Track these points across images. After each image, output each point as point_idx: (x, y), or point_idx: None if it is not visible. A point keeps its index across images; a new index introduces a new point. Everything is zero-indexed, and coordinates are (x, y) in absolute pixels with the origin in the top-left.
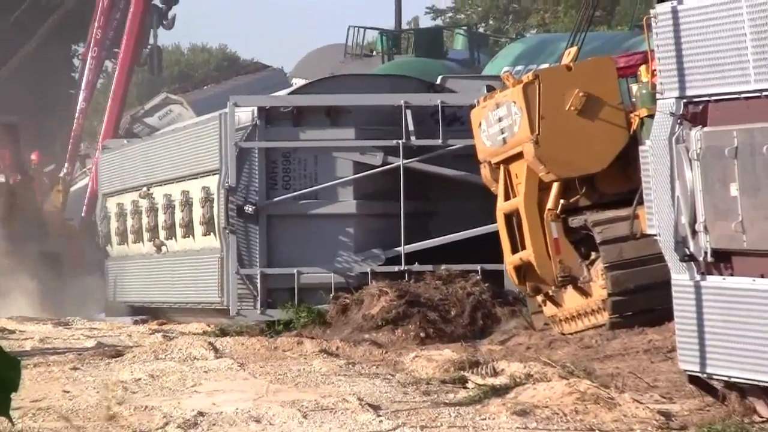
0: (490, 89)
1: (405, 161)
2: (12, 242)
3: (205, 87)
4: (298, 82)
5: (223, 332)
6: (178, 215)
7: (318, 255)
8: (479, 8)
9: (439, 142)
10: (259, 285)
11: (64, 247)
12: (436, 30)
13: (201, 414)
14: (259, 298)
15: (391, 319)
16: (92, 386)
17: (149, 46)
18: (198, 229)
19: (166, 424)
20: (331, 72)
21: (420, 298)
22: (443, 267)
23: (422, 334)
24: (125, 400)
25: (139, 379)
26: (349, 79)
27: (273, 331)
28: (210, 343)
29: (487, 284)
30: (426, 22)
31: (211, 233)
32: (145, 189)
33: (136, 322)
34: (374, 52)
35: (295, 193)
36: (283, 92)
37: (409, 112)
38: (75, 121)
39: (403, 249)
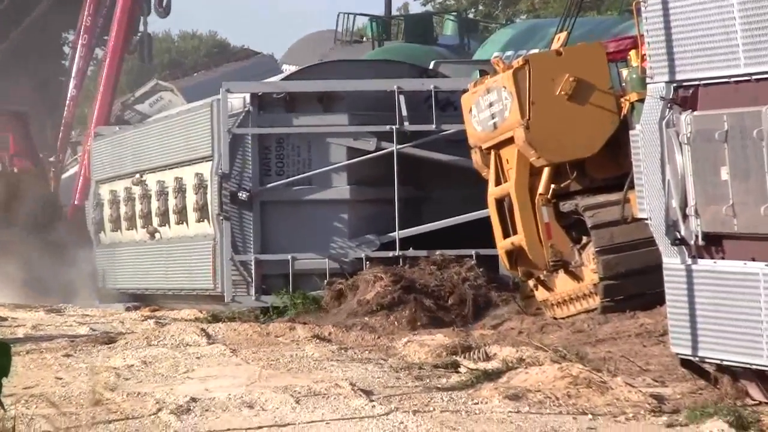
0: (483, 74)
1: (399, 146)
2: (12, 230)
3: (196, 74)
4: (288, 69)
5: (216, 318)
6: (172, 202)
7: (312, 241)
8: None
9: (433, 127)
10: (253, 271)
11: (63, 234)
12: (426, 16)
13: (194, 400)
14: (253, 285)
15: (386, 305)
16: (85, 373)
17: (139, 34)
18: (192, 215)
19: (159, 410)
20: (321, 58)
21: (415, 283)
22: (438, 252)
23: (418, 322)
24: (118, 387)
25: (132, 365)
26: (341, 64)
27: (267, 317)
28: (202, 330)
29: (481, 269)
30: (416, 8)
31: (205, 220)
32: (138, 176)
33: (128, 309)
34: (364, 39)
35: (288, 180)
36: (276, 78)
37: (402, 98)
38: (66, 108)
39: (397, 234)
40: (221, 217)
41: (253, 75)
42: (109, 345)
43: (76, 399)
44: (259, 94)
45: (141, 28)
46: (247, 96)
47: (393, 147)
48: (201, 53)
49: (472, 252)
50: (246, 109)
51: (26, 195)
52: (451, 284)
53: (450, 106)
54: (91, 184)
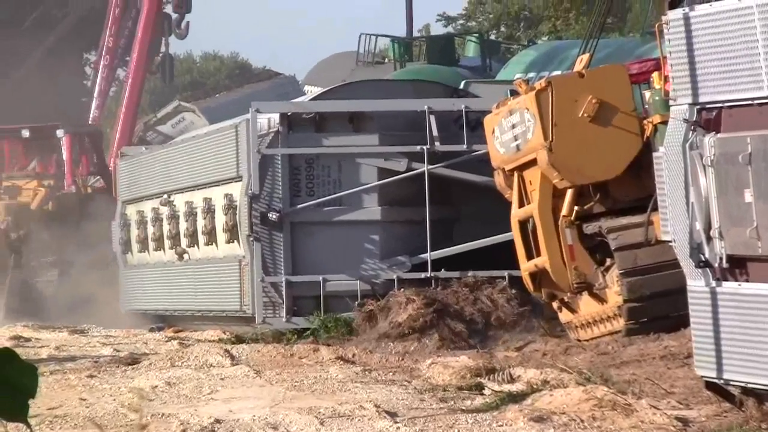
0: (514, 94)
1: (430, 167)
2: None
3: (217, 95)
4: (310, 90)
5: (239, 339)
6: (201, 222)
7: (343, 262)
8: (490, 15)
9: (464, 147)
10: (284, 293)
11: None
12: (447, 37)
13: (218, 421)
14: (284, 306)
15: (418, 328)
16: (109, 394)
17: (161, 54)
18: (221, 236)
19: (183, 431)
20: (343, 80)
21: (449, 308)
22: (470, 273)
23: (451, 346)
24: (142, 408)
25: (156, 386)
26: (370, 84)
27: (293, 339)
28: (226, 351)
29: (513, 290)
30: (437, 30)
31: (235, 241)
32: (165, 196)
33: (152, 330)
34: (386, 60)
35: (319, 200)
36: (305, 98)
37: (433, 118)
38: None
39: (429, 255)
40: (251, 238)
41: (274, 96)
42: (133, 366)
43: (100, 420)
44: (289, 114)
45: (162, 48)
46: (275, 116)
47: (424, 167)
48: (222, 74)
49: (505, 273)
50: (275, 129)
51: (100, 214)
52: (483, 309)
53: (480, 126)
54: (118, 204)
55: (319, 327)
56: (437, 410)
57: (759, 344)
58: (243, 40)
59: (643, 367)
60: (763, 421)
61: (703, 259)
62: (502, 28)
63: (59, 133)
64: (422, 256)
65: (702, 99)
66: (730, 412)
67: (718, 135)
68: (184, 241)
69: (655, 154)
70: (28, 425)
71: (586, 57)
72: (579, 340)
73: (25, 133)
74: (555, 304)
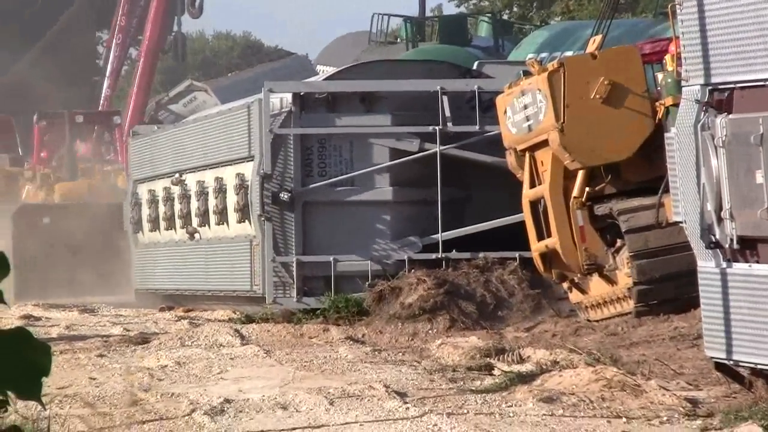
0: (527, 74)
1: (442, 147)
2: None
3: (230, 74)
4: (323, 70)
5: (249, 319)
6: (212, 202)
7: (354, 242)
8: None
9: (476, 128)
10: (294, 273)
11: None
12: (460, 17)
13: (227, 401)
14: (295, 286)
15: (429, 309)
16: (118, 373)
17: (173, 33)
18: (232, 216)
19: (193, 411)
20: (355, 59)
21: (460, 289)
22: (481, 255)
23: (461, 327)
24: (151, 387)
25: (166, 366)
26: (383, 64)
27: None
28: (236, 330)
29: (524, 271)
30: (450, 10)
31: (246, 220)
32: (177, 175)
33: (162, 309)
34: (398, 40)
35: (330, 180)
36: (316, 78)
37: (445, 98)
38: (100, 108)
39: (440, 236)
40: (263, 218)
41: (286, 75)
42: (143, 345)
43: (110, 399)
44: (301, 94)
45: (175, 27)
46: (287, 96)
47: (436, 148)
48: (235, 54)
49: (516, 254)
50: (287, 109)
51: None
52: (494, 289)
53: (493, 106)
54: (129, 183)
55: (329, 307)
56: (446, 390)
57: None
58: (255, 20)
59: (653, 348)
60: None
61: (714, 240)
62: (515, 8)
63: (116, 119)
64: (433, 236)
65: (714, 80)
66: (739, 393)
67: (730, 116)
68: (195, 221)
69: (666, 135)
70: (42, 403)
71: (598, 38)
72: (589, 321)
73: (79, 119)
74: (565, 285)
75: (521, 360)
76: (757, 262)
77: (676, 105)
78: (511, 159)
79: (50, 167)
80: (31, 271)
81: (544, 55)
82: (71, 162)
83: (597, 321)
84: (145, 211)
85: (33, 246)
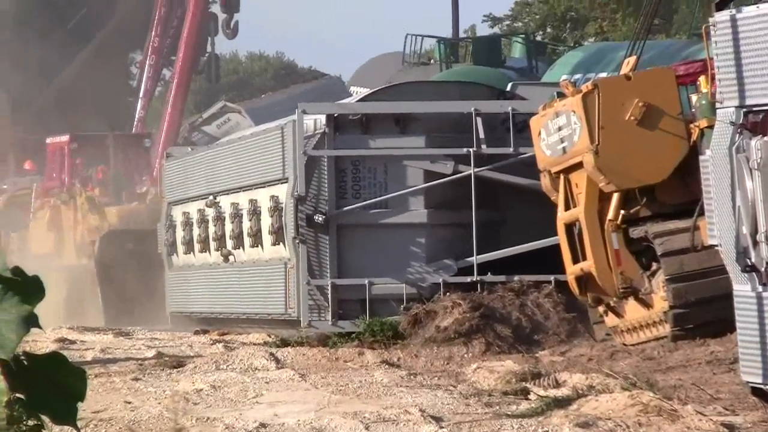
0: (561, 96)
1: (476, 169)
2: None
3: (263, 95)
4: (357, 91)
5: (285, 342)
6: (246, 224)
7: (389, 265)
8: (537, 16)
9: (511, 150)
10: (329, 296)
11: None
12: (493, 38)
13: (263, 425)
14: (330, 309)
15: (464, 332)
16: (154, 397)
17: (207, 54)
18: (267, 238)
19: None
20: (389, 80)
21: (495, 312)
22: (516, 278)
23: (496, 350)
24: (187, 411)
25: (201, 389)
26: (417, 86)
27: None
28: (271, 354)
29: (560, 295)
30: (483, 30)
31: (280, 243)
32: (211, 198)
33: (197, 333)
34: (432, 61)
35: (365, 203)
36: (350, 100)
37: (479, 120)
38: (134, 128)
39: (475, 259)
40: (297, 241)
41: (320, 96)
42: (178, 369)
43: (145, 423)
44: (335, 115)
45: (208, 48)
46: (321, 117)
47: (470, 170)
48: (268, 75)
49: (551, 278)
50: (321, 130)
51: None
52: (530, 313)
53: (527, 128)
54: (164, 205)
55: (364, 330)
56: (482, 415)
57: None
58: (289, 41)
59: (689, 373)
60: None
61: (750, 263)
62: (549, 29)
63: (147, 142)
64: (468, 259)
65: (749, 101)
66: None
67: (765, 138)
68: (229, 243)
69: (701, 158)
70: (77, 428)
71: (633, 59)
72: (625, 345)
73: (110, 141)
74: (601, 309)
75: (557, 384)
76: None
77: (710, 127)
78: (545, 181)
79: (88, 189)
80: (121, 297)
81: (578, 76)
82: (117, 185)
83: (633, 345)
84: (180, 234)
85: (121, 272)
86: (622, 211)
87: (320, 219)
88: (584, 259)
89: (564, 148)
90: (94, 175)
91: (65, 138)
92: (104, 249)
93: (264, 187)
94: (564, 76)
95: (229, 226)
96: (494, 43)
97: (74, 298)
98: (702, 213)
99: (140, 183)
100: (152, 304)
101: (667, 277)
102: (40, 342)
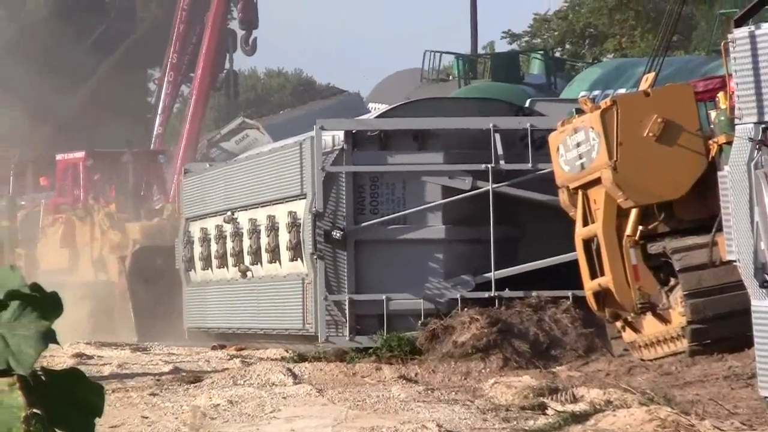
0: (580, 112)
1: (494, 186)
2: None
3: (282, 112)
4: (375, 107)
5: (302, 358)
6: (264, 240)
7: (407, 281)
8: (555, 32)
9: (529, 166)
10: (347, 311)
11: None
12: (512, 54)
13: None
14: (347, 325)
15: (482, 347)
16: (171, 412)
17: (225, 71)
18: (284, 254)
19: None
20: (407, 97)
21: (513, 327)
22: (534, 293)
23: (514, 366)
24: (204, 427)
25: (218, 405)
26: (435, 102)
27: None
28: (289, 369)
29: (577, 310)
30: (502, 47)
31: (298, 258)
32: (229, 213)
33: (214, 348)
34: (450, 77)
35: (383, 218)
36: (370, 116)
37: (498, 136)
38: (152, 145)
39: (493, 275)
40: (315, 256)
41: (339, 113)
42: (195, 384)
43: None
44: (354, 131)
45: (227, 65)
46: (339, 134)
47: (488, 186)
48: (287, 91)
49: (569, 293)
50: (339, 146)
51: None
52: (548, 329)
53: (546, 144)
54: (182, 221)
55: (381, 346)
56: (500, 430)
57: None
58: (307, 57)
59: (707, 388)
60: None
61: None
62: (567, 46)
63: (161, 158)
64: (486, 275)
65: (767, 118)
66: None
67: None
68: (247, 259)
69: (719, 174)
70: None
71: (651, 76)
72: (642, 360)
73: (126, 158)
74: (619, 324)
75: (575, 399)
76: None
77: (729, 143)
78: (563, 197)
79: (103, 205)
80: (152, 312)
81: (596, 92)
82: (135, 200)
83: (651, 360)
84: (197, 250)
85: (151, 288)
86: (641, 227)
87: (338, 235)
88: (602, 274)
89: (582, 164)
90: (108, 192)
91: (80, 154)
92: (136, 264)
93: (282, 203)
94: (582, 93)
95: (247, 242)
96: (513, 60)
97: (100, 314)
98: (720, 229)
99: (155, 199)
100: (173, 319)
101: (685, 293)
102: (57, 357)
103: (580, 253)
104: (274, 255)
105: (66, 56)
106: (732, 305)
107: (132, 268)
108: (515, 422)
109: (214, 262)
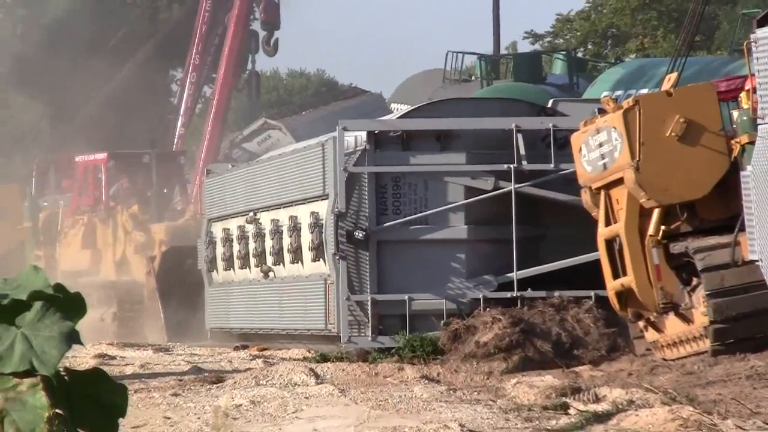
0: (602, 112)
1: (517, 186)
2: None
3: (304, 112)
4: (397, 108)
5: (324, 358)
6: (286, 241)
7: (429, 281)
8: (578, 33)
9: (551, 166)
10: (369, 311)
11: None
12: (534, 55)
13: None
14: (369, 325)
15: (504, 347)
16: (193, 412)
17: (247, 72)
18: (307, 254)
19: None
20: (429, 97)
21: (535, 327)
22: (556, 293)
23: (536, 366)
24: (227, 427)
25: (240, 405)
26: (457, 102)
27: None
28: (311, 369)
29: (600, 310)
30: (524, 47)
31: (321, 259)
32: (251, 214)
33: (236, 348)
34: (473, 77)
35: (405, 219)
36: (392, 116)
37: (520, 136)
38: (174, 146)
39: (515, 275)
40: (337, 257)
41: (361, 113)
42: (218, 384)
43: None
44: (376, 132)
45: (249, 66)
46: (362, 134)
47: (511, 186)
48: (309, 92)
49: (591, 293)
50: (362, 147)
51: None
52: (570, 329)
53: (568, 144)
54: (203, 222)
55: (404, 346)
56: (522, 430)
57: None
58: (329, 58)
59: (729, 387)
60: None
61: None
62: (590, 46)
63: (182, 159)
64: (508, 275)
65: None
66: None
67: None
68: (269, 260)
69: (742, 174)
70: None
71: (674, 76)
72: (665, 360)
73: (146, 159)
74: (641, 324)
75: (597, 399)
76: None
77: (751, 143)
78: (586, 197)
79: (124, 206)
80: (182, 312)
81: (619, 92)
82: (158, 201)
83: (673, 360)
84: (219, 250)
85: (182, 288)
86: (663, 227)
87: (360, 235)
88: (624, 274)
89: (605, 164)
90: (120, 187)
91: (101, 156)
92: (166, 264)
93: (304, 203)
94: (605, 93)
95: (269, 243)
96: (535, 60)
97: (124, 314)
98: (743, 228)
99: (174, 201)
100: (203, 319)
101: (707, 293)
102: (80, 357)
103: (602, 253)
104: (297, 255)
105: (88, 57)
106: (755, 305)
107: (161, 268)
108: (537, 422)
109: (237, 263)
